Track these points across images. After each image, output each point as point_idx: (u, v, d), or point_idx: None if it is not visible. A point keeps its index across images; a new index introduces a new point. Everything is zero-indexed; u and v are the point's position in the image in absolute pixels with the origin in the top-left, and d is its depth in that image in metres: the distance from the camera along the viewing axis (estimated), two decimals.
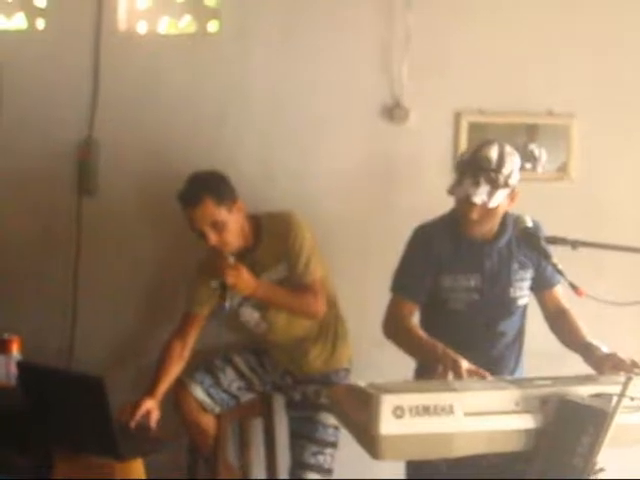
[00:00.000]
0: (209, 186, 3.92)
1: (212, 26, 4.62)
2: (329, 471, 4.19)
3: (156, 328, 4.66)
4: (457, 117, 4.36)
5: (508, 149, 3.33)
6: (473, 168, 3.27)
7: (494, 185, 3.24)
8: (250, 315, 4.13)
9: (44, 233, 4.74)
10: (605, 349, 3.27)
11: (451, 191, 3.34)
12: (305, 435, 4.16)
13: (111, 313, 4.70)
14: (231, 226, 3.93)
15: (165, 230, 4.64)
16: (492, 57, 4.33)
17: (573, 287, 3.13)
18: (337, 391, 3.10)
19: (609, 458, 2.67)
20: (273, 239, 4.01)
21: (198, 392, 4.15)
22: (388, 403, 2.63)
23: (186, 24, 4.69)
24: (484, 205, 3.26)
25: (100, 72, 4.65)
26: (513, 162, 3.31)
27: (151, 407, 3.83)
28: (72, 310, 4.70)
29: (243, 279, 3.86)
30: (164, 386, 3.95)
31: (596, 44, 4.28)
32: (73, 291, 4.70)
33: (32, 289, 4.75)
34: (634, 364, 3.13)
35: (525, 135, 4.30)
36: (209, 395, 4.16)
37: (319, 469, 4.16)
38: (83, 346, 4.70)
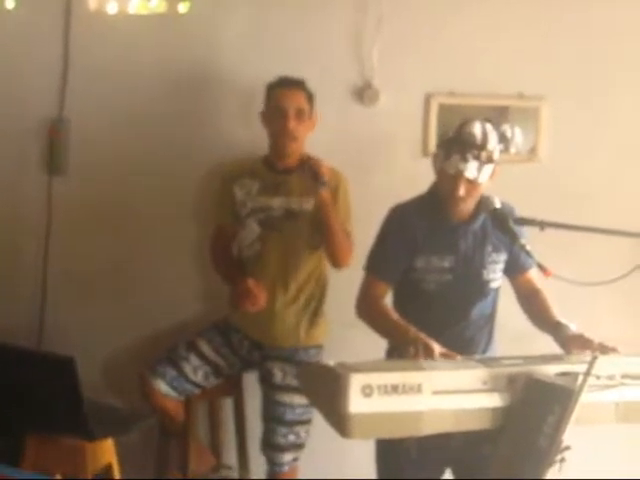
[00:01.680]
0: (307, 86, 4.20)
1: (182, 7, 4.59)
2: (301, 446, 4.24)
3: (127, 309, 4.66)
4: (427, 99, 4.38)
5: (489, 126, 3.35)
6: (459, 144, 3.28)
7: (481, 161, 3.27)
8: (251, 229, 4.19)
9: (14, 212, 4.70)
10: (574, 328, 3.30)
11: (439, 167, 3.34)
12: (274, 418, 4.19)
13: (81, 293, 4.68)
14: (302, 129, 4.16)
15: (135, 209, 4.63)
16: (463, 39, 4.35)
17: (541, 267, 3.16)
18: (306, 370, 3.12)
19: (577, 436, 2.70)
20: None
21: (161, 386, 4.16)
22: (357, 382, 2.64)
23: (156, 4, 4.64)
24: (474, 180, 3.28)
25: (70, 51, 4.61)
26: (495, 139, 3.34)
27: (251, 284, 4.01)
28: (42, 290, 4.67)
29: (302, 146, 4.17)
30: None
31: (566, 26, 4.31)
32: (43, 271, 4.68)
33: (1, 269, 4.72)
34: (601, 345, 3.15)
35: (496, 117, 4.32)
36: (173, 387, 4.18)
37: (290, 447, 4.21)
38: (53, 327, 4.68)
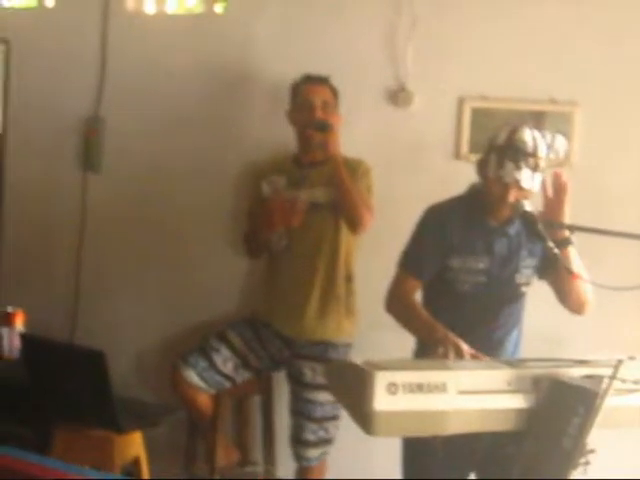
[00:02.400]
0: (331, 83, 4.30)
1: (219, 7, 4.65)
2: (330, 441, 4.28)
3: (159, 305, 4.71)
4: (460, 102, 4.39)
5: (537, 134, 3.36)
6: (512, 152, 3.28)
7: (534, 169, 3.28)
8: None
9: (49, 208, 4.79)
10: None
11: (492, 174, 3.33)
12: (304, 415, 4.22)
13: (114, 289, 4.75)
14: (335, 124, 4.19)
15: (169, 207, 4.68)
16: (497, 43, 4.34)
17: (568, 271, 3.16)
18: (333, 367, 3.14)
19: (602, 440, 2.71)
20: None
21: (192, 376, 4.20)
22: (382, 379, 2.65)
23: (193, 4, 4.72)
24: (529, 189, 3.30)
25: (108, 51, 4.70)
26: (544, 146, 3.35)
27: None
28: (75, 286, 4.75)
29: (336, 139, 4.17)
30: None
31: (600, 31, 4.28)
32: (77, 267, 4.75)
33: (37, 264, 4.80)
34: None
35: (533, 122, 4.31)
36: (203, 379, 4.21)
37: (319, 443, 4.25)
38: (86, 322, 4.75)
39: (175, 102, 4.67)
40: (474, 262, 3.42)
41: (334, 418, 4.20)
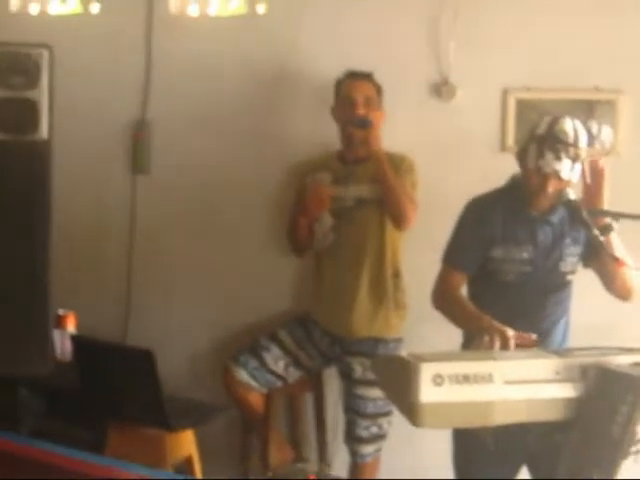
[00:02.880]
0: (374, 79, 4.32)
1: (261, 8, 4.66)
2: (383, 437, 4.30)
3: (210, 307, 4.75)
4: (504, 94, 4.38)
5: (579, 124, 3.34)
6: (552, 142, 3.26)
7: (574, 160, 3.27)
8: (325, 221, 4.27)
9: (99, 211, 4.84)
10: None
11: (531, 163, 3.32)
12: (357, 411, 4.24)
13: (165, 291, 4.79)
14: (373, 117, 4.21)
15: (217, 207, 4.72)
16: (539, 33, 4.32)
17: (614, 258, 3.15)
18: (379, 361, 3.15)
19: None
20: None
21: (243, 375, 4.25)
22: (427, 371, 2.65)
23: (236, 6, 4.73)
24: (569, 180, 3.29)
25: (153, 55, 4.74)
26: (585, 137, 3.33)
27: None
28: (127, 288, 4.79)
29: (378, 136, 4.21)
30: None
31: None
32: (127, 269, 4.80)
33: (88, 267, 4.85)
34: None
35: (579, 112, 4.29)
36: (254, 378, 4.26)
37: (373, 439, 4.27)
38: (138, 324, 4.79)
39: (220, 103, 4.70)
40: (518, 252, 3.41)
41: (387, 414, 4.21)
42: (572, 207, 3.27)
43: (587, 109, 4.31)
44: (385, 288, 4.24)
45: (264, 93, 4.67)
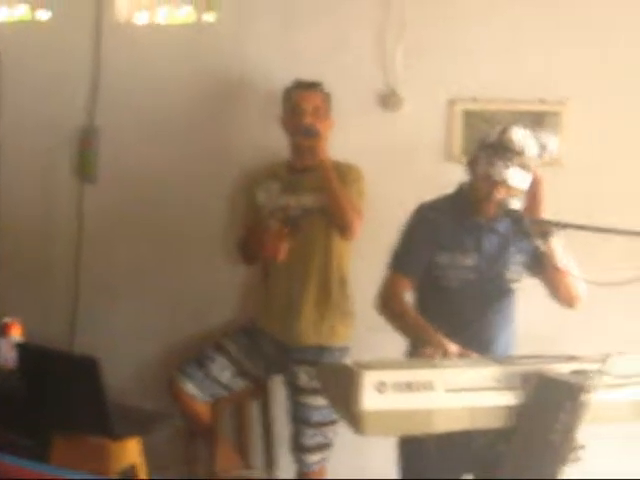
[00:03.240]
0: (323, 88, 4.33)
1: (210, 16, 4.67)
2: (328, 446, 4.29)
3: (157, 314, 4.74)
4: (451, 105, 4.41)
5: (527, 134, 3.39)
6: (501, 151, 3.31)
7: (522, 168, 3.31)
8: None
9: (46, 219, 4.82)
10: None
11: (481, 171, 3.36)
12: (301, 420, 4.24)
13: (113, 298, 4.78)
14: (321, 126, 4.21)
15: (165, 216, 4.71)
16: (486, 45, 4.36)
17: (556, 268, 3.18)
18: (324, 370, 3.16)
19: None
20: None
21: (189, 387, 4.25)
22: (370, 379, 2.67)
23: (185, 14, 4.73)
24: (518, 188, 3.33)
25: (101, 62, 4.74)
26: (534, 146, 3.38)
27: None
28: (74, 296, 4.77)
29: (324, 145, 4.21)
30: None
31: (588, 31, 4.30)
32: (75, 277, 4.77)
33: (35, 275, 4.83)
34: None
35: (527, 123, 4.33)
36: (200, 389, 4.26)
37: (318, 448, 4.27)
38: (85, 331, 4.77)
39: (169, 111, 4.71)
40: (462, 258, 3.44)
41: (332, 423, 4.20)
42: (514, 217, 3.32)
43: (536, 119, 4.35)
44: (331, 296, 4.25)
45: (213, 101, 4.66)
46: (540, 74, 4.33)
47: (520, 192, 3.37)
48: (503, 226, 3.46)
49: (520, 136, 3.35)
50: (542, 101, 4.33)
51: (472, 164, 3.45)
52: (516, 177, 3.30)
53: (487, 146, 3.38)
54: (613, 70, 4.30)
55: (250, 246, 4.38)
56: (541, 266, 3.49)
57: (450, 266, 3.46)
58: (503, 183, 3.31)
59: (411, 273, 3.51)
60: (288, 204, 4.28)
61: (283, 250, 4.22)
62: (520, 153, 3.31)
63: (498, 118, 4.26)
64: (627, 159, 4.31)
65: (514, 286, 3.55)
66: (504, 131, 3.36)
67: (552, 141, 4.14)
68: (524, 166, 3.32)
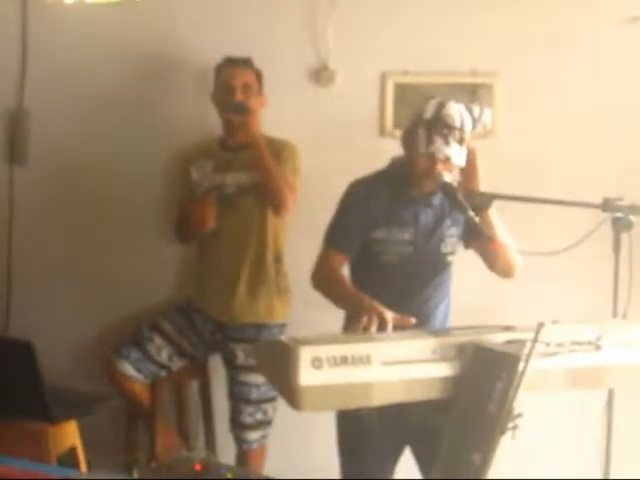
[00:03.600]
0: (254, 64, 4.30)
1: None
2: (268, 423, 4.31)
3: (92, 295, 4.69)
4: (383, 78, 4.41)
5: (463, 107, 3.39)
6: (439, 126, 3.30)
7: (460, 143, 3.32)
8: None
9: None
10: None
11: (420, 148, 3.34)
12: (240, 397, 4.25)
13: (47, 280, 4.72)
14: (254, 106, 4.22)
15: (98, 197, 4.66)
16: (417, 17, 4.38)
17: (488, 238, 3.20)
18: (259, 346, 3.15)
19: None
20: None
21: (126, 367, 4.23)
22: (306, 354, 2.65)
23: None
24: (454, 162, 3.33)
25: (28, 42, 4.65)
26: (470, 121, 3.38)
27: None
28: (7, 278, 4.70)
29: (256, 122, 4.21)
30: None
31: (519, 3, 4.33)
32: (7, 260, 4.70)
33: None
34: None
35: (459, 94, 4.35)
36: (137, 369, 4.24)
37: (258, 425, 4.28)
38: (19, 314, 4.71)
39: (99, 91, 4.64)
40: (399, 233, 3.44)
41: (271, 400, 4.21)
42: (447, 190, 3.32)
43: (469, 91, 4.37)
44: (267, 274, 4.25)
45: (145, 80, 4.62)
46: (472, 46, 4.36)
47: (456, 167, 3.38)
48: (438, 199, 3.46)
49: (457, 110, 3.35)
50: (474, 73, 4.35)
51: (407, 139, 3.44)
52: (456, 153, 3.31)
53: (424, 122, 3.35)
54: (544, 41, 4.34)
55: (184, 224, 4.36)
56: (476, 238, 3.51)
57: (387, 241, 3.45)
58: (445, 160, 3.32)
59: (346, 249, 3.49)
60: (222, 182, 4.27)
61: (211, 218, 4.22)
62: (459, 128, 3.31)
63: (433, 90, 4.26)
64: (559, 129, 4.36)
65: (450, 259, 3.56)
66: (441, 106, 3.35)
67: (485, 113, 4.17)
68: (461, 141, 3.33)
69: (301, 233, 4.31)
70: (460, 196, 3.25)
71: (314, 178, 4.31)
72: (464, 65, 4.35)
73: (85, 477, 3.00)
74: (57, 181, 4.69)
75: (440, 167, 3.32)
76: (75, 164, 4.66)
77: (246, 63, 4.27)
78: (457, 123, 3.31)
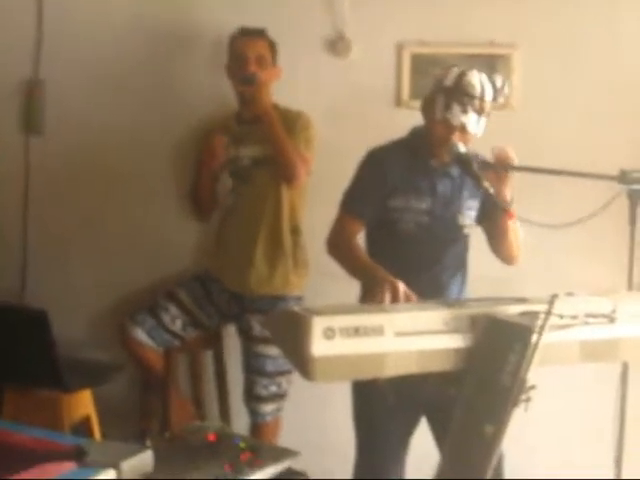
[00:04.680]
0: (269, 36, 4.27)
1: None
2: (283, 396, 4.31)
3: (108, 266, 4.70)
4: (399, 49, 4.39)
5: (485, 77, 3.38)
6: (459, 95, 3.30)
7: (479, 113, 3.31)
8: (224, 183, 4.32)
9: None
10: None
11: (438, 115, 3.33)
12: (255, 369, 4.25)
13: (62, 251, 4.72)
14: (265, 75, 4.20)
15: (113, 167, 4.65)
16: None
17: (504, 210, 3.19)
18: (273, 317, 3.15)
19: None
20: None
21: (139, 334, 4.24)
22: (319, 324, 2.65)
23: None
24: (474, 133, 3.33)
25: (44, 11, 4.63)
26: (490, 91, 3.37)
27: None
28: (22, 250, 4.71)
29: (267, 94, 4.20)
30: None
31: None
32: (23, 230, 4.71)
33: None
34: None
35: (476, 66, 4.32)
36: (151, 337, 4.25)
37: (272, 398, 4.28)
38: (35, 286, 4.72)
39: (115, 61, 4.62)
40: (417, 202, 3.43)
41: (286, 372, 4.20)
42: (462, 160, 3.30)
43: (487, 63, 4.34)
44: (283, 246, 4.24)
45: (157, 49, 4.60)
46: (490, 17, 4.32)
47: (472, 137, 3.36)
48: (456, 170, 3.45)
49: (478, 80, 3.34)
50: (492, 44, 4.32)
51: (427, 107, 3.43)
52: (474, 122, 3.30)
53: (444, 89, 3.35)
54: (563, 11, 4.31)
55: (199, 199, 4.36)
56: (489, 213, 3.51)
57: (404, 209, 3.43)
58: (461, 128, 3.30)
59: (361, 215, 3.48)
60: (237, 155, 4.26)
61: (220, 152, 4.27)
62: (479, 97, 3.31)
63: (447, 61, 4.23)
64: (577, 101, 4.33)
65: (467, 231, 3.55)
66: (462, 74, 3.34)
67: (505, 84, 4.14)
68: (481, 110, 3.32)
69: (318, 204, 4.29)
70: (475, 167, 3.24)
71: (330, 149, 4.29)
72: (482, 36, 4.32)
73: (97, 444, 3.00)
74: (73, 152, 4.68)
75: (458, 136, 3.31)
76: (91, 135, 4.65)
77: (260, 33, 4.25)
78: (477, 92, 3.31)
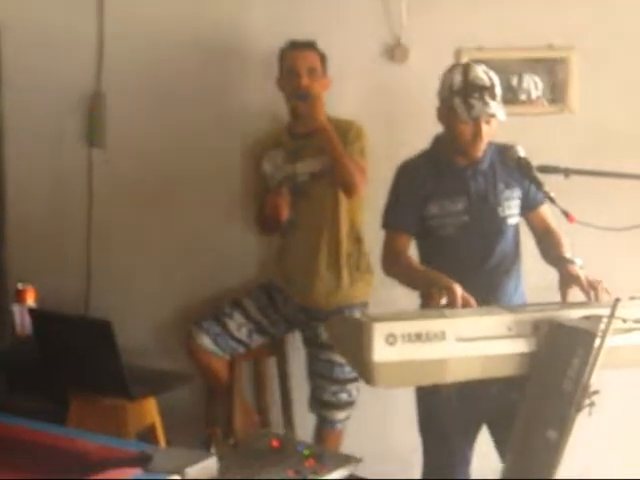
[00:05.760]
0: (317, 47, 4.27)
1: None
2: (351, 403, 4.30)
3: (174, 277, 4.74)
4: (457, 54, 4.38)
5: (484, 67, 3.44)
6: (473, 91, 3.34)
7: (497, 100, 3.36)
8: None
9: (57, 186, 4.80)
10: (579, 263, 3.30)
11: (465, 117, 3.35)
12: (324, 376, 4.26)
13: (125, 263, 4.77)
14: (316, 87, 4.19)
15: (173, 179, 4.70)
16: None
17: (565, 214, 3.17)
18: (334, 323, 3.16)
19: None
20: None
21: (205, 341, 4.25)
22: (380, 330, 2.68)
23: None
24: (495, 119, 3.36)
25: (105, 25, 4.68)
26: (496, 77, 3.42)
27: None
28: (87, 261, 4.77)
29: (321, 106, 4.13)
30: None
31: None
32: (87, 242, 4.77)
33: (47, 241, 4.81)
34: (589, 281, 3.17)
35: (536, 70, 4.35)
36: (216, 344, 4.27)
37: (341, 405, 4.28)
38: (98, 296, 4.77)
39: (174, 74, 4.65)
40: (452, 205, 3.47)
41: (355, 380, 4.18)
42: (522, 164, 3.30)
43: (545, 66, 4.34)
44: (347, 256, 4.25)
45: (216, 62, 4.63)
46: (547, 20, 4.30)
47: (496, 129, 3.41)
48: (486, 164, 3.49)
49: (482, 71, 3.40)
50: (550, 47, 4.31)
51: (443, 114, 3.48)
52: (498, 109, 3.34)
53: (456, 92, 3.39)
54: (620, 13, 4.27)
55: (261, 217, 4.38)
56: (531, 210, 3.54)
57: (441, 215, 3.48)
58: (487, 119, 3.34)
59: (406, 229, 3.53)
60: (294, 171, 4.27)
61: (285, 209, 4.20)
62: (490, 86, 3.35)
63: (505, 66, 4.24)
64: (636, 103, 4.29)
65: (511, 222, 3.54)
66: (465, 73, 3.40)
67: (526, 80, 4.16)
68: (497, 98, 3.36)
69: (378, 212, 4.30)
70: (535, 171, 3.23)
71: (388, 155, 4.27)
72: (540, 40, 4.30)
73: (162, 450, 3.03)
74: (134, 163, 4.73)
75: (485, 128, 3.35)
76: (151, 148, 4.70)
77: (310, 46, 4.25)
78: (487, 82, 3.36)
